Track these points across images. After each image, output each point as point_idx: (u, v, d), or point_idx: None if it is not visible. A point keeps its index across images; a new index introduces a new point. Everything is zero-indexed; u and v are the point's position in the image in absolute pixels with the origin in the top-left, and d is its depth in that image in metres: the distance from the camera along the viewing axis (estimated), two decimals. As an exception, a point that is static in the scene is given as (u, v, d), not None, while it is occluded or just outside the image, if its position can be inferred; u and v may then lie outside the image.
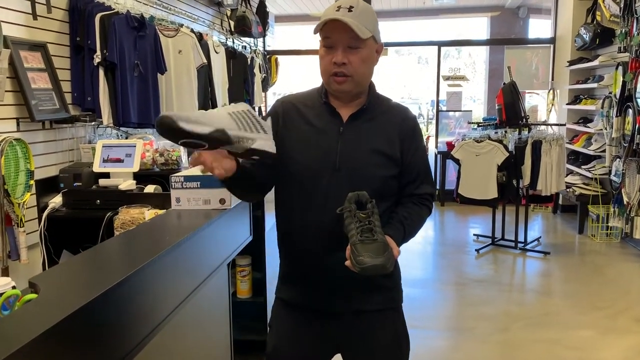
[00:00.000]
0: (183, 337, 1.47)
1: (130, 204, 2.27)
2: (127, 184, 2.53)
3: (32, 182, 2.56)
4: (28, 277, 1.08)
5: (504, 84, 5.14)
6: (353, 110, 1.41)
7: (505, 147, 4.68)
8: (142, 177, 2.64)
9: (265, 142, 1.20)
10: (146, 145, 2.76)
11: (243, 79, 5.32)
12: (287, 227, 1.45)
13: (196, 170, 1.94)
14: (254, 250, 2.49)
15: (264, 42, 7.01)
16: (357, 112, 1.41)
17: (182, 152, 2.79)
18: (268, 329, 1.53)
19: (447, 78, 7.08)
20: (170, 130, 1.06)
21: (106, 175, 2.60)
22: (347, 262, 1.22)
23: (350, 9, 1.29)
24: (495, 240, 5.10)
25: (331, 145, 1.37)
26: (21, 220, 2.48)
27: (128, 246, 1.37)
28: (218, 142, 1.11)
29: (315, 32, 1.35)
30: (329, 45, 1.33)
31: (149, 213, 1.91)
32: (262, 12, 6.06)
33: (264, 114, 6.93)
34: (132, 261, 1.18)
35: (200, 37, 4.21)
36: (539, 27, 9.22)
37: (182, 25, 3.95)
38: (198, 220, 1.59)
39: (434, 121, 7.60)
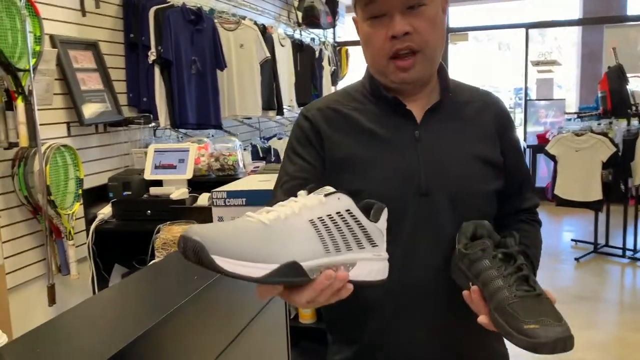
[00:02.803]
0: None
1: (181, 215, 2.05)
2: (180, 192, 2.30)
3: (81, 191, 2.39)
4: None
5: (609, 67, 4.48)
6: (425, 103, 0.98)
7: (612, 141, 4.06)
8: (196, 184, 2.41)
9: (370, 265, 0.70)
10: (200, 150, 2.52)
11: (311, 72, 5.03)
12: (351, 300, 0.84)
13: (245, 183, 1.64)
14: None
15: (333, 33, 6.67)
16: (434, 105, 0.97)
17: (240, 156, 2.51)
18: None
19: (537, 63, 6.40)
20: (201, 265, 0.58)
21: (158, 183, 2.38)
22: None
23: None
24: (598, 247, 4.47)
25: (410, 160, 0.94)
26: (70, 232, 2.32)
27: (143, 293, 1.08)
28: (289, 284, 0.64)
29: (354, 3, 0.93)
30: (377, 13, 0.90)
31: (191, 233, 1.63)
32: (331, 2, 5.75)
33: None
34: (145, 316, 0.88)
35: (264, 29, 3.95)
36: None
37: (244, 18, 3.70)
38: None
39: (517, 110, 6.94)
